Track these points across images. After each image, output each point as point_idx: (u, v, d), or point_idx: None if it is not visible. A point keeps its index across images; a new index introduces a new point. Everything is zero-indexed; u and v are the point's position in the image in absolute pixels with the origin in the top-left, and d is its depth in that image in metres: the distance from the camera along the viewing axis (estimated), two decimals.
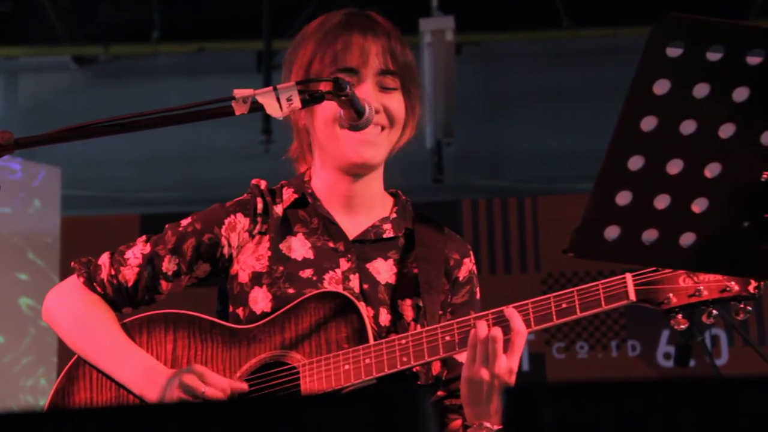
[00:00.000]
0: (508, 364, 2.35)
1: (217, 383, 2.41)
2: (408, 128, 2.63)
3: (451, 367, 2.59)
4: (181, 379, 2.40)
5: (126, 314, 2.62)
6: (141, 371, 2.49)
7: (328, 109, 2.47)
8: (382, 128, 2.55)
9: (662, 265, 2.26)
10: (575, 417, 1.22)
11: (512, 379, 2.36)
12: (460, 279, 2.66)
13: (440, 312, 2.59)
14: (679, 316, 2.38)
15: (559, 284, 6.84)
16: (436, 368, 2.58)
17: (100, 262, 2.63)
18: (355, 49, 2.54)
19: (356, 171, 2.59)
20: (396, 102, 2.58)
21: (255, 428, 1.22)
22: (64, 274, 2.76)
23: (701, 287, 2.34)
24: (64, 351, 2.60)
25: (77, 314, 2.60)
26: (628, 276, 2.37)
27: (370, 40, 2.55)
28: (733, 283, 2.32)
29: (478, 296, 2.69)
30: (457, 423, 2.56)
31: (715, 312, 2.35)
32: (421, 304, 2.55)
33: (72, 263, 2.66)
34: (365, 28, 2.57)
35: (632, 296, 2.36)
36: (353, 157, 2.54)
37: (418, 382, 2.53)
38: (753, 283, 2.31)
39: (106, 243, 2.84)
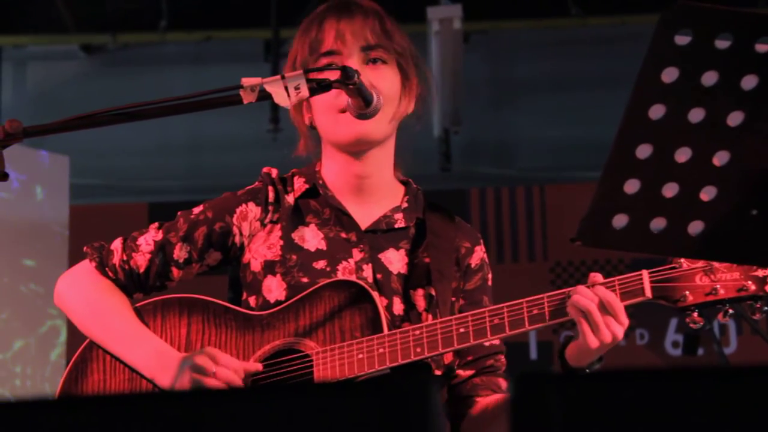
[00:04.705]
0: (617, 327, 2.34)
1: (229, 364, 2.41)
2: (404, 100, 2.62)
3: (476, 347, 2.58)
4: (193, 361, 2.41)
5: (137, 300, 2.64)
6: (153, 355, 2.50)
7: (323, 99, 2.47)
8: None
9: (670, 254, 2.26)
10: (582, 406, 1.22)
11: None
12: (472, 266, 2.67)
13: (453, 299, 2.60)
14: (695, 314, 2.37)
15: (567, 273, 6.84)
16: (447, 357, 2.59)
17: (112, 247, 2.64)
18: (328, 32, 2.56)
19: (357, 148, 2.57)
20: (387, 76, 2.57)
21: (266, 415, 1.22)
22: (73, 262, 2.76)
23: (718, 286, 2.33)
24: (72, 338, 2.62)
25: (89, 299, 2.61)
26: (645, 273, 2.37)
27: (345, 22, 2.56)
28: (749, 282, 2.31)
29: (489, 282, 2.70)
30: (490, 399, 2.57)
31: (731, 311, 2.35)
32: (432, 293, 2.56)
33: (85, 248, 2.67)
34: (340, 11, 2.59)
35: (648, 293, 2.36)
36: (350, 134, 2.53)
37: (431, 373, 2.54)
38: None
39: (115, 231, 2.84)
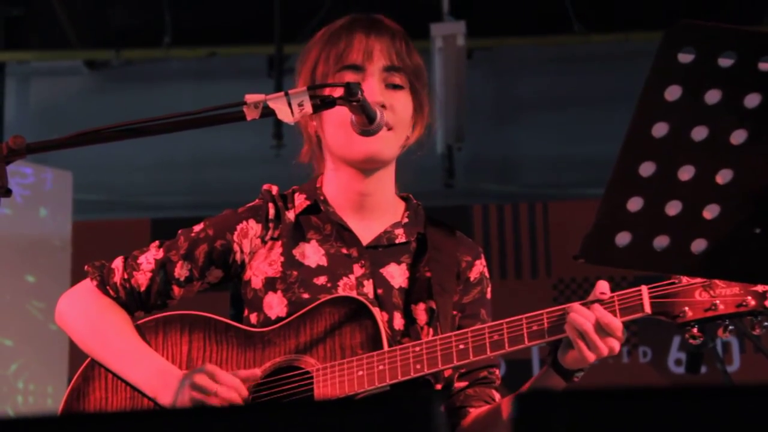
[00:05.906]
0: (614, 343, 2.35)
1: (229, 381, 2.41)
2: (416, 128, 2.64)
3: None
4: (193, 380, 2.41)
5: (138, 318, 2.64)
6: (154, 374, 2.50)
7: (338, 113, 2.47)
8: (389, 128, 2.55)
9: (673, 272, 2.25)
10: (586, 424, 1.22)
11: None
12: (472, 280, 2.67)
13: (454, 312, 2.60)
14: (695, 329, 2.36)
15: (570, 290, 6.83)
16: (447, 371, 2.58)
17: (113, 265, 2.64)
18: (358, 46, 2.57)
19: (367, 166, 2.59)
20: (402, 101, 2.59)
21: None
22: (76, 278, 2.77)
23: (717, 301, 2.33)
24: (75, 355, 2.62)
25: (90, 317, 2.61)
26: (644, 288, 2.36)
27: (374, 39, 2.58)
28: (749, 297, 2.31)
29: (488, 296, 2.70)
30: (482, 410, 2.57)
31: (731, 327, 2.34)
32: (434, 306, 2.56)
33: (86, 266, 2.67)
34: (369, 27, 2.60)
35: (647, 309, 2.35)
36: (363, 151, 2.54)
37: (432, 388, 2.53)
38: None
39: (117, 247, 2.84)
